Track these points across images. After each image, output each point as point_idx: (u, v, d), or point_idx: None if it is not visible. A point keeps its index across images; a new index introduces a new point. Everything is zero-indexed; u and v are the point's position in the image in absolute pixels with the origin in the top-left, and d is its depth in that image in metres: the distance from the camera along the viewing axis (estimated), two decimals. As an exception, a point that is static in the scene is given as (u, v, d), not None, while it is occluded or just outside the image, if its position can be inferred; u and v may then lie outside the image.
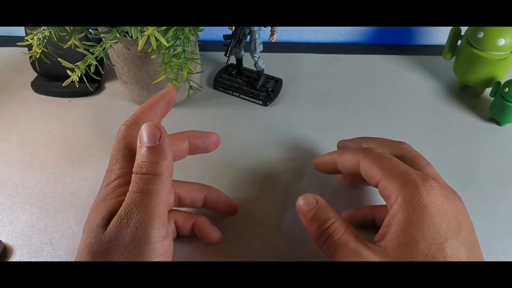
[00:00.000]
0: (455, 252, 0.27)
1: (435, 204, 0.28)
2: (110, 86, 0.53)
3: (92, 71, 0.40)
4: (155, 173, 0.27)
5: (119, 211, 0.27)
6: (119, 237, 0.26)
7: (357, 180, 0.39)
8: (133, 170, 0.28)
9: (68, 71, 0.40)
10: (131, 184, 0.27)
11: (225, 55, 0.46)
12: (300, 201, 0.31)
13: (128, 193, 0.27)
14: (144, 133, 0.28)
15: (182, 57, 0.39)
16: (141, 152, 0.27)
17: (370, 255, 0.27)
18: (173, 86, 0.34)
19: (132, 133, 0.30)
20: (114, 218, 0.27)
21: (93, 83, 0.51)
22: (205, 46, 0.54)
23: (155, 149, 0.27)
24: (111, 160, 0.30)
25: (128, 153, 0.29)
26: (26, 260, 0.36)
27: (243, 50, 0.49)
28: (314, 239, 0.30)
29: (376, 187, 0.32)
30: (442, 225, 0.27)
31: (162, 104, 0.33)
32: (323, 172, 0.38)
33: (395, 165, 0.31)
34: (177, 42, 0.38)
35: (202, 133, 0.34)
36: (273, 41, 0.47)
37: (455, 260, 0.26)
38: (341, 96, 0.51)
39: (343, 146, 0.39)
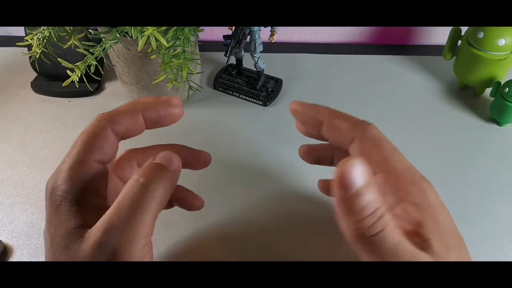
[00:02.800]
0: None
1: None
2: (110, 86, 0.53)
3: (92, 71, 0.40)
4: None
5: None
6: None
7: (323, 159, 0.34)
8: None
9: (68, 71, 0.40)
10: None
11: (225, 55, 0.46)
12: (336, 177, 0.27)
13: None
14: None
15: (182, 57, 0.39)
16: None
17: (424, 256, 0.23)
18: (178, 100, 0.30)
19: (102, 128, 0.28)
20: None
21: (93, 83, 0.51)
22: (205, 46, 0.54)
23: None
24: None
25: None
26: (26, 260, 0.36)
27: (243, 50, 0.49)
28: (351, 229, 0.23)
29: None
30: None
31: (151, 115, 0.29)
32: (305, 134, 0.33)
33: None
34: (177, 42, 0.38)
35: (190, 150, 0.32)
36: (273, 41, 0.47)
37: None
38: (341, 96, 0.51)
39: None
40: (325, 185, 0.35)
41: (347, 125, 0.28)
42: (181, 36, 0.38)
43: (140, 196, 0.24)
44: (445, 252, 0.24)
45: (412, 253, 0.22)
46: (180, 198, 0.32)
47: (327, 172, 0.34)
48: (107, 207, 0.25)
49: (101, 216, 0.25)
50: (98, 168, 0.27)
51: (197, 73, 0.45)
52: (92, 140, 0.27)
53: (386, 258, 0.22)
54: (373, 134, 0.28)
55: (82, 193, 0.26)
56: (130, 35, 0.37)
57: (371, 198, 0.22)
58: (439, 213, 0.25)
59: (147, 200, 0.24)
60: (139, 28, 0.36)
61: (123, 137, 0.29)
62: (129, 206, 0.24)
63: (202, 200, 0.32)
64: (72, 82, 0.40)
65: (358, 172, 0.22)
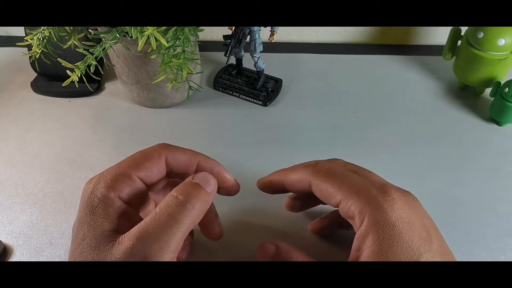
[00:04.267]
0: None
1: (402, 218, 0.27)
2: (110, 86, 0.53)
3: (92, 71, 0.40)
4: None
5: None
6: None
7: (306, 204, 0.37)
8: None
9: (68, 71, 0.40)
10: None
11: (225, 55, 0.46)
12: (259, 251, 0.31)
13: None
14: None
15: (182, 57, 0.39)
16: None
17: None
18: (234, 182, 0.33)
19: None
20: None
21: (93, 83, 0.51)
22: (205, 46, 0.54)
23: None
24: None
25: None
26: (26, 260, 0.36)
27: (243, 50, 0.49)
28: None
29: (336, 207, 0.30)
30: (413, 240, 0.26)
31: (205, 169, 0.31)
32: (269, 193, 0.35)
33: (352, 181, 0.29)
34: (177, 42, 0.38)
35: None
36: (273, 41, 0.47)
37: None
38: (341, 96, 0.51)
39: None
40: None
41: (360, 206, 0.28)
42: (181, 36, 0.38)
43: (177, 212, 0.26)
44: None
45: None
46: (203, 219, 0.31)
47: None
48: (140, 219, 0.27)
49: (133, 225, 0.26)
50: (139, 184, 0.29)
51: (197, 73, 0.45)
52: (144, 160, 0.29)
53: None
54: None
55: (118, 201, 0.27)
56: (130, 35, 0.37)
57: None
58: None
59: (183, 217, 0.26)
60: (139, 28, 0.36)
61: (172, 170, 0.30)
62: (165, 219, 0.25)
63: (222, 231, 0.33)
64: (72, 82, 0.40)
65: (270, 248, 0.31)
